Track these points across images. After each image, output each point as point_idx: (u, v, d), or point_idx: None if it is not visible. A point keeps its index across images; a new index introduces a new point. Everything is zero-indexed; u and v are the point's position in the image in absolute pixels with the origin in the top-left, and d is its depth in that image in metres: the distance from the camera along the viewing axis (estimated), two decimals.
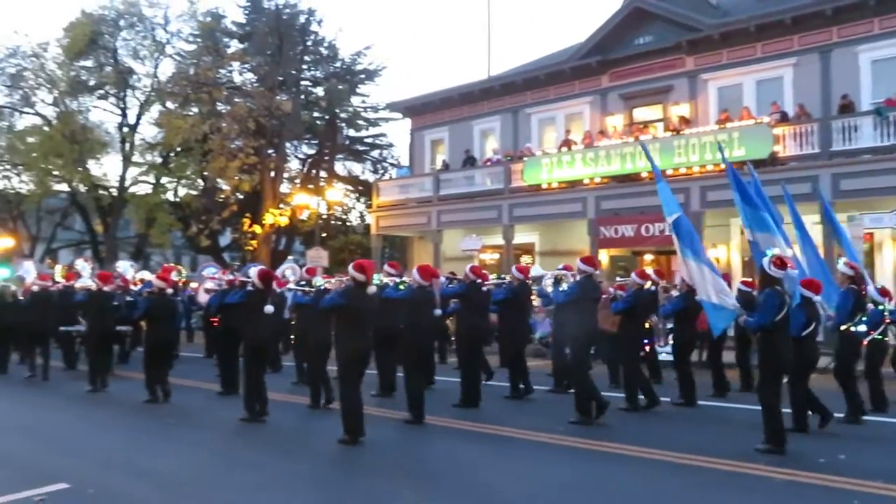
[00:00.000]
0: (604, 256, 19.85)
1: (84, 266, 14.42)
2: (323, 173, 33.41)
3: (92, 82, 29.12)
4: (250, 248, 29.29)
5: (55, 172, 28.55)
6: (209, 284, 10.74)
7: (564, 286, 8.58)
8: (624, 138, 18.99)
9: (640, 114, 20.91)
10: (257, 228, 28.12)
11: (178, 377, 11.04)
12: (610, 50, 20.93)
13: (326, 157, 33.41)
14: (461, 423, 8.24)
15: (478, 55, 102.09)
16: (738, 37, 18.72)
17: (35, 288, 11.98)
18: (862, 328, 8.52)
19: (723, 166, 16.44)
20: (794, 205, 10.49)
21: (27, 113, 29.41)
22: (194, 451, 7.14)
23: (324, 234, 28.49)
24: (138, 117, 29.32)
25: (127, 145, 29.14)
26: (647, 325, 9.88)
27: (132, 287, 13.39)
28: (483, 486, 5.79)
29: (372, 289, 7.15)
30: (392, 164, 34.00)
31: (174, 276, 11.05)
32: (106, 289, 10.95)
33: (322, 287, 9.03)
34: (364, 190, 32.63)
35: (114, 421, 8.78)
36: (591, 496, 5.59)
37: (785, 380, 7.03)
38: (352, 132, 34.10)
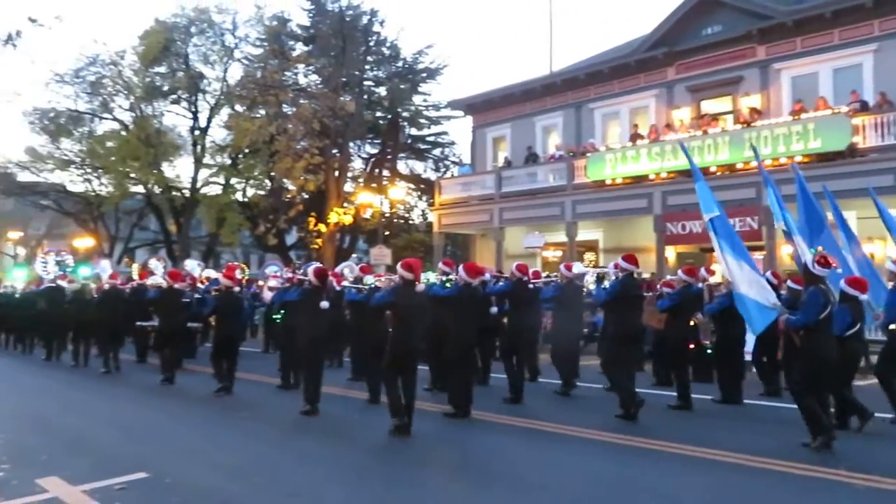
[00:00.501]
0: (670, 253, 19.35)
1: (156, 265, 14.99)
2: (386, 172, 33.73)
3: (165, 88, 30.12)
4: (316, 246, 29.80)
5: (132, 175, 29.61)
6: (272, 282, 11.02)
7: (606, 284, 8.67)
8: (691, 132, 18.46)
9: (709, 106, 20.24)
10: (322, 227, 28.62)
11: (243, 371, 11.40)
12: (676, 41, 20.36)
13: (389, 156, 33.71)
14: (507, 418, 8.33)
15: (539, 51, 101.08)
16: (813, 23, 17.88)
17: (107, 286, 12.50)
18: None
19: (798, 159, 15.96)
20: (836, 202, 10.20)
21: (106, 118, 30.62)
22: (259, 442, 7.33)
23: (387, 233, 28.72)
24: (208, 120, 30.20)
25: (198, 148, 30.01)
26: (692, 323, 9.84)
27: (199, 285, 13.88)
28: (523, 477, 5.84)
29: (420, 286, 7.33)
30: (454, 162, 34.05)
31: (238, 275, 11.34)
32: (176, 286, 11.34)
33: (373, 285, 9.21)
34: (426, 188, 32.75)
35: (185, 412, 9.13)
36: (651, 499, 5.39)
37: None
38: (414, 131, 34.26)
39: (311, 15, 31.89)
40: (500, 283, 10.35)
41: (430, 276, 10.04)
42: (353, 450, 6.92)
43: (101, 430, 7.91)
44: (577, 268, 10.15)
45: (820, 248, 7.03)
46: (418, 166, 36.01)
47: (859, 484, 5.55)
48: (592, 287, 8.74)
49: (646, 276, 15.10)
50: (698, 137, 17.75)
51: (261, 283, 15.96)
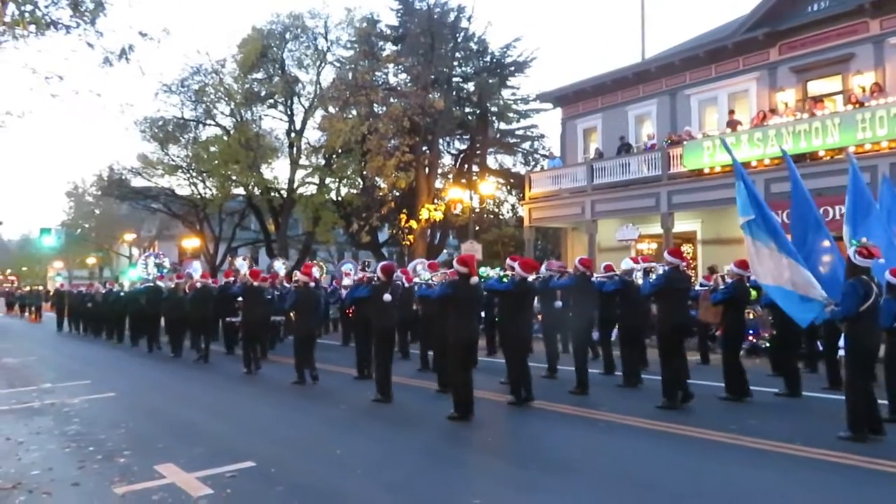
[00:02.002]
0: None
1: (241, 264, 15.63)
2: (475, 167, 33.57)
3: (263, 93, 31.07)
4: (407, 242, 30.04)
5: (233, 178, 30.74)
6: (346, 280, 11.24)
7: (653, 277, 8.85)
8: (797, 115, 17.22)
9: (816, 87, 18.88)
10: (413, 224, 28.82)
11: (324, 363, 11.85)
12: (779, 20, 19.08)
13: (478, 152, 33.52)
14: (571, 408, 8.49)
15: (631, 38, 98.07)
16: None
17: (198, 284, 13.17)
18: None
19: None
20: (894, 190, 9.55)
21: (209, 124, 31.97)
22: (346, 430, 7.65)
23: (477, 228, 28.55)
24: (303, 123, 30.92)
25: (294, 149, 30.81)
26: (750, 316, 9.71)
27: (286, 283, 14.38)
28: (582, 464, 6.01)
29: (475, 280, 7.64)
30: (543, 156, 33.45)
31: (315, 272, 11.60)
32: (256, 284, 11.74)
33: (431, 280, 9.39)
34: (516, 182, 32.36)
35: (278, 402, 9.58)
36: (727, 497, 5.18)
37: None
38: (503, 125, 33.91)
39: (399, 15, 32.16)
40: (564, 278, 10.39)
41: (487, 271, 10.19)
42: (427, 436, 7.25)
43: (208, 419, 8.41)
44: (626, 263, 10.28)
45: (864, 240, 6.87)
46: (508, 160, 35.71)
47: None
48: (640, 281, 8.68)
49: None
50: (804, 121, 16.54)
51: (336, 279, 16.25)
